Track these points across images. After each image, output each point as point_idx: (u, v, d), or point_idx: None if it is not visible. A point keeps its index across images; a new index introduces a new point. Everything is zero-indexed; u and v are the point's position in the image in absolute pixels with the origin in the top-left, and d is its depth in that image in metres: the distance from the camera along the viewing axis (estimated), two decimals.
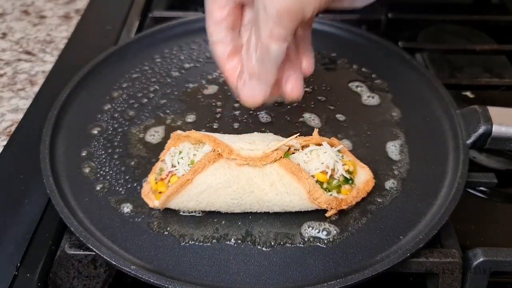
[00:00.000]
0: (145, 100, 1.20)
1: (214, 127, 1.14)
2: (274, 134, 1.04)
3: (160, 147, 1.05)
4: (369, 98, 1.21)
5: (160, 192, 0.93)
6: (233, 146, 0.93)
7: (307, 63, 0.95)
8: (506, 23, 1.62)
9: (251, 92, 0.87)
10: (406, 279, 0.97)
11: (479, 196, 1.13)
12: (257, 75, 0.85)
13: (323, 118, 1.17)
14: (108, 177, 1.00)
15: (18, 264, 0.89)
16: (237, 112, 1.17)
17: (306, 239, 0.90)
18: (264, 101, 0.89)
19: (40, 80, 1.39)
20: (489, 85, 1.34)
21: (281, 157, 0.93)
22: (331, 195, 0.93)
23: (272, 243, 0.89)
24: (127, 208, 0.95)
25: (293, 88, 0.93)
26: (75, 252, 0.88)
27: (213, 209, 0.93)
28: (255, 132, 1.06)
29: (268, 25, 0.78)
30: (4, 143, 1.17)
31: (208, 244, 0.89)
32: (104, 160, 1.04)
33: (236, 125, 1.14)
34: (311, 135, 0.99)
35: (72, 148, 1.05)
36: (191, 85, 1.25)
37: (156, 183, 0.94)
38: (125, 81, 1.24)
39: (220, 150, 0.91)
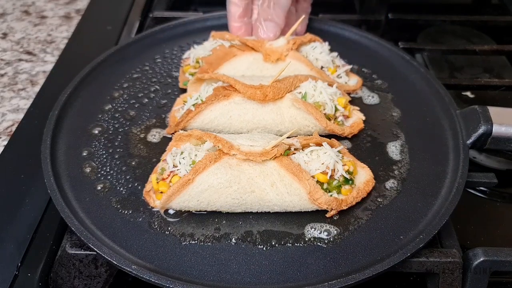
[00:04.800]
0: (146, 100, 1.20)
1: None
2: None
3: (161, 147, 1.06)
4: (369, 98, 1.21)
5: (161, 192, 0.93)
6: (233, 143, 0.93)
7: (301, 28, 1.32)
8: (506, 23, 1.63)
9: (266, 31, 1.20)
10: (406, 279, 0.97)
11: (479, 196, 1.14)
12: (270, 18, 1.19)
13: None
14: (109, 177, 1.00)
15: (19, 264, 0.90)
16: None
17: (306, 239, 0.90)
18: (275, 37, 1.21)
19: (41, 80, 1.39)
20: (489, 85, 1.34)
21: (281, 154, 0.93)
22: (331, 195, 0.93)
23: (273, 243, 0.90)
24: (128, 207, 0.95)
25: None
26: (76, 252, 0.89)
27: (214, 209, 0.93)
28: (255, 131, 1.07)
29: None
30: (5, 143, 1.17)
31: (209, 243, 0.89)
32: (105, 160, 1.04)
33: None
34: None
35: (73, 148, 1.05)
36: None
37: (158, 183, 0.94)
38: (125, 81, 1.25)
39: (221, 145, 0.92)
